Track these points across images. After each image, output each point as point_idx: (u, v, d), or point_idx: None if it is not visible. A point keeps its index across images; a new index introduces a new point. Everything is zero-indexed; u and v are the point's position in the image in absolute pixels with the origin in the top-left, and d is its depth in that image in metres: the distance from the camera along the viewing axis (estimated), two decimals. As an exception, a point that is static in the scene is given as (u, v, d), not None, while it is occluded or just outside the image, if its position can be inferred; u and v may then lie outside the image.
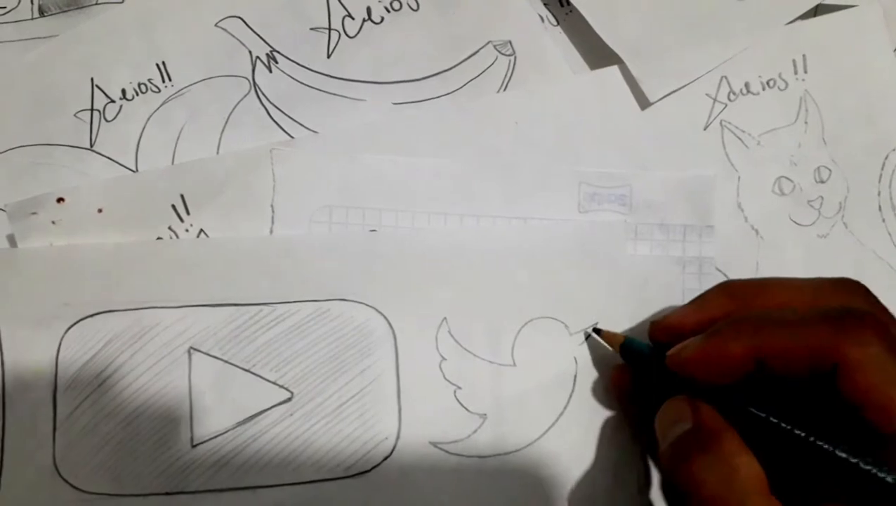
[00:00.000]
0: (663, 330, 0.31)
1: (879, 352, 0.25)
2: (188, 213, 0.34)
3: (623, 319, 0.35)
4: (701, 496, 0.26)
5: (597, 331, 0.34)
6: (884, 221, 0.38)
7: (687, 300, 0.33)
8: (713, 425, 0.27)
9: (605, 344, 0.34)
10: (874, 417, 0.25)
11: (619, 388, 0.34)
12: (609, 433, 0.35)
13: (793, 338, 0.26)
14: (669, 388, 0.30)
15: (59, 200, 0.33)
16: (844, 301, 0.28)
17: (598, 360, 0.35)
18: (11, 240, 0.33)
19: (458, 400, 0.34)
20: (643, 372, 0.33)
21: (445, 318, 0.34)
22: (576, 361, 0.35)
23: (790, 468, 0.27)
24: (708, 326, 0.29)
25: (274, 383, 0.33)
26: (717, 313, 0.30)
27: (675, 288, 0.36)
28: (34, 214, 0.33)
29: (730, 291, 0.30)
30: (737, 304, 0.30)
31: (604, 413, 0.35)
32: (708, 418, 0.28)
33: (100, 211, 0.33)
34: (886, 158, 0.38)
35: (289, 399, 0.33)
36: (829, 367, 0.26)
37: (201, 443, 0.33)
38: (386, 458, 0.33)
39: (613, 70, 0.38)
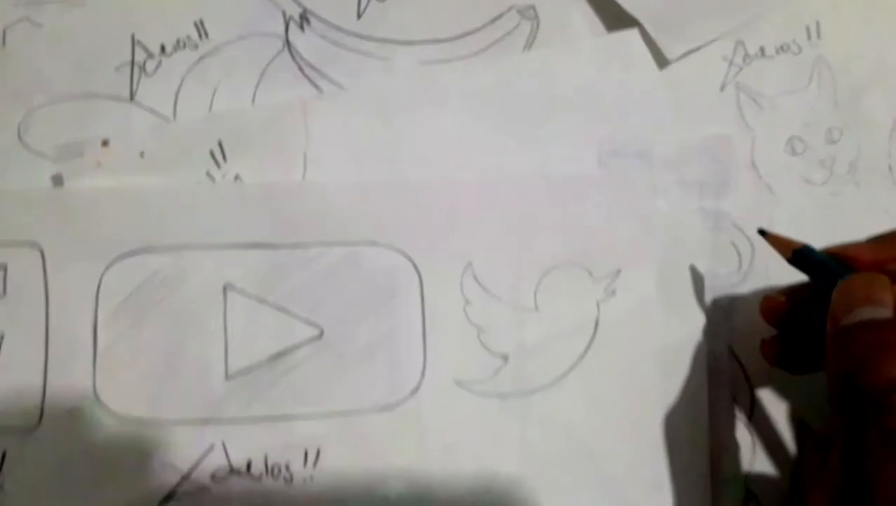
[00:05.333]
0: (836, 259, 0.29)
1: None
2: (225, 159, 0.36)
3: (645, 265, 0.36)
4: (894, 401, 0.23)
5: (762, 232, 0.34)
6: (895, 181, 0.39)
7: (705, 252, 0.35)
8: None
9: (773, 248, 0.33)
10: None
11: (773, 311, 0.33)
12: (629, 379, 0.36)
13: None
14: None
15: (104, 143, 0.35)
16: None
17: (622, 306, 0.36)
18: (56, 180, 0.35)
19: (481, 342, 0.35)
20: (820, 284, 0.31)
21: (470, 263, 0.36)
22: (598, 307, 0.36)
23: None
24: (884, 265, 0.28)
25: (305, 321, 0.35)
26: None
27: (694, 240, 0.37)
28: (81, 155, 0.35)
29: None
30: None
31: (625, 359, 0.36)
32: None
33: (142, 155, 0.35)
34: (896, 121, 0.39)
35: (319, 337, 0.35)
36: None
37: (236, 375, 0.34)
38: (411, 394, 0.35)
39: (633, 33, 0.39)
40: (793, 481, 0.35)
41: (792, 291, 0.33)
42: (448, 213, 0.36)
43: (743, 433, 0.36)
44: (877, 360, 0.25)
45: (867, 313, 0.25)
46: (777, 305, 0.32)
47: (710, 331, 0.36)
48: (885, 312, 0.25)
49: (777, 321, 0.33)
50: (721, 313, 0.36)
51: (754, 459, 0.36)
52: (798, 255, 0.32)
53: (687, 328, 0.36)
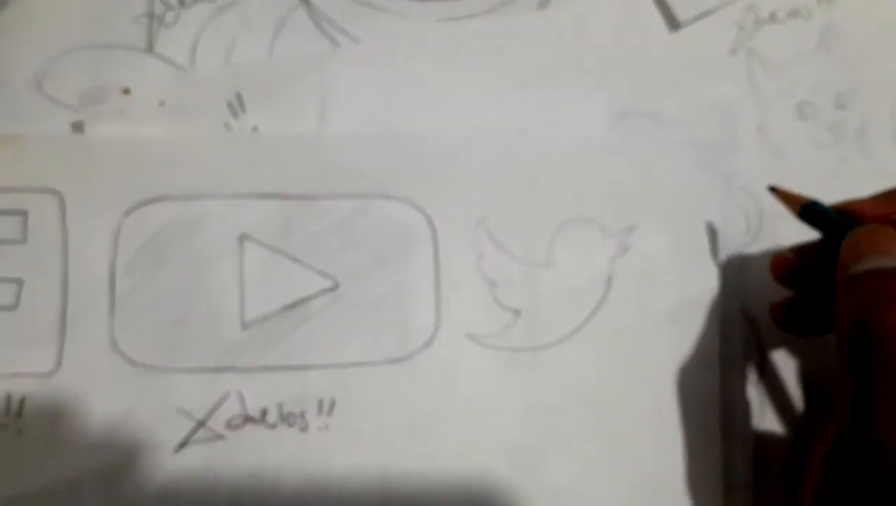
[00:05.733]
0: (844, 213, 0.29)
1: None
2: (244, 110, 0.36)
3: (658, 222, 0.37)
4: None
5: (772, 189, 0.34)
6: (902, 146, 0.40)
7: (717, 213, 0.35)
8: None
9: (783, 203, 0.33)
10: None
11: (783, 268, 0.33)
12: (640, 335, 0.36)
13: None
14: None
15: (125, 91, 0.35)
16: None
17: (634, 263, 0.36)
18: (76, 126, 0.35)
19: (493, 296, 0.36)
20: (829, 238, 0.31)
21: (484, 217, 0.36)
22: (610, 263, 0.36)
23: None
24: (890, 217, 0.28)
25: (319, 273, 0.35)
26: None
27: (705, 201, 0.37)
28: (102, 102, 0.35)
29: None
30: None
31: (636, 315, 0.36)
32: None
33: (161, 104, 0.35)
34: (905, 86, 0.40)
35: (333, 288, 0.35)
36: None
37: (251, 325, 0.35)
38: (424, 347, 0.35)
39: (645, -6, 0.39)
40: (797, 436, 0.36)
41: (802, 249, 0.33)
42: (462, 167, 0.36)
43: (753, 392, 0.36)
44: (883, 306, 0.25)
45: (874, 262, 0.26)
46: (787, 262, 0.33)
47: (722, 290, 0.36)
48: (891, 262, 0.26)
49: (787, 280, 0.33)
50: (732, 273, 0.37)
51: (763, 418, 0.37)
52: (807, 209, 0.32)
53: (699, 286, 0.36)
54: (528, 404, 0.35)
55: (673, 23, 0.39)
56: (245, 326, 0.35)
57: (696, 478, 0.35)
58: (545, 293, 0.36)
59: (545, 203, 0.36)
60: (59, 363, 0.34)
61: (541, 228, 0.36)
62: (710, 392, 0.36)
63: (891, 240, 0.27)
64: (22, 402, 0.34)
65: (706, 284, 0.36)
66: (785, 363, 0.37)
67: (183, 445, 0.34)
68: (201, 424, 0.34)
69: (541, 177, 0.36)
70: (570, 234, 0.36)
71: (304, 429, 0.34)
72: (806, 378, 0.37)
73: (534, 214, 0.36)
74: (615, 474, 0.35)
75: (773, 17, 0.40)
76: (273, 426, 0.34)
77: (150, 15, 0.37)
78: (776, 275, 0.33)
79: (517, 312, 0.36)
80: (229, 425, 0.34)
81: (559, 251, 0.36)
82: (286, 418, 0.34)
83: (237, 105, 0.36)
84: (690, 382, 0.36)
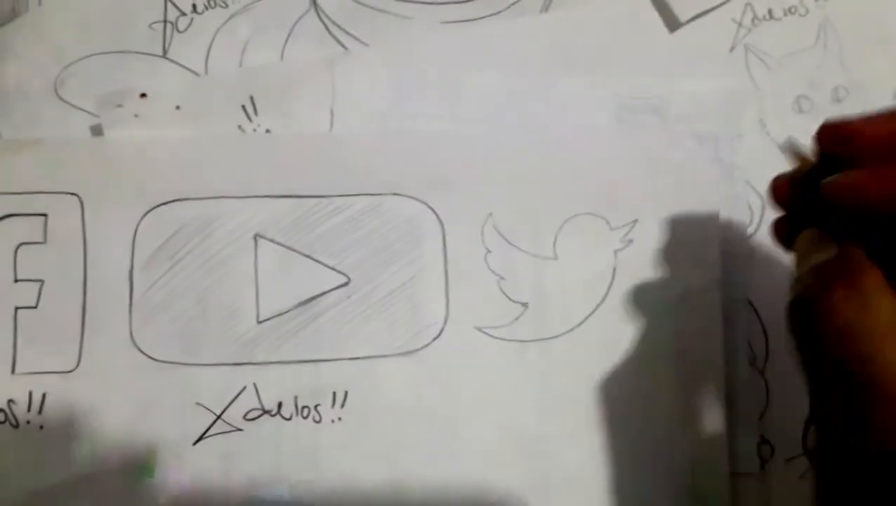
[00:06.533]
0: (831, 135, 0.26)
1: None
2: (256, 113, 0.37)
3: (661, 214, 0.37)
4: (834, 325, 0.24)
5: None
6: (898, 138, 0.40)
7: (720, 203, 0.36)
8: (858, 258, 0.25)
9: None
10: None
11: (781, 189, 0.30)
12: (645, 325, 0.37)
13: None
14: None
15: (142, 95, 0.36)
16: None
17: (639, 255, 0.37)
18: (95, 130, 0.36)
19: (501, 289, 0.37)
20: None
21: (491, 213, 0.37)
22: (615, 255, 0.37)
23: None
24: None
25: (332, 269, 0.36)
26: None
27: (709, 191, 0.38)
28: (120, 106, 0.36)
29: None
30: None
31: (641, 305, 0.37)
32: (853, 251, 0.25)
33: (177, 108, 0.36)
34: (901, 80, 0.41)
35: (346, 284, 0.36)
36: None
37: (266, 320, 0.36)
38: (434, 340, 0.36)
39: (645, -6, 0.41)
40: (805, 426, 0.36)
41: (794, 174, 0.29)
42: (469, 164, 0.37)
43: (758, 381, 0.37)
44: (820, 289, 0.25)
45: (821, 257, 0.26)
46: (782, 185, 0.30)
47: (726, 279, 0.37)
48: (827, 255, 0.25)
49: (786, 201, 0.30)
50: (735, 263, 0.38)
51: (768, 406, 0.37)
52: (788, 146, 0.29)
53: (703, 276, 0.37)
54: (536, 394, 0.36)
55: (672, 22, 0.40)
56: (260, 321, 0.35)
57: (703, 465, 0.36)
58: (552, 286, 0.37)
59: (551, 198, 0.37)
60: (79, 361, 0.35)
61: (547, 223, 0.37)
62: (716, 381, 0.37)
63: (824, 238, 0.26)
64: (43, 398, 0.34)
65: (710, 274, 0.37)
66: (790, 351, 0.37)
67: (201, 437, 0.35)
68: (219, 417, 0.35)
69: (546, 172, 0.37)
70: (576, 227, 0.37)
71: (318, 421, 0.35)
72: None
73: (540, 208, 0.37)
74: (623, 461, 0.36)
75: (770, 13, 0.41)
76: (289, 418, 0.35)
77: (165, 21, 0.38)
78: (776, 196, 0.30)
79: (525, 305, 0.37)
80: (246, 417, 0.35)
81: (565, 245, 0.37)
82: (301, 411, 0.35)
83: (250, 108, 0.37)
84: (695, 369, 0.37)
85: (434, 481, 0.35)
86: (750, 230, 0.39)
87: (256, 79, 0.37)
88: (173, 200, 0.36)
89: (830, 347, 0.24)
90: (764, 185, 0.35)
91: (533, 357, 0.36)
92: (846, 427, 0.24)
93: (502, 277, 0.37)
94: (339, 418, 0.35)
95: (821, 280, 0.25)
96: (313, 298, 0.36)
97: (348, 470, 0.35)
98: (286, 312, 0.36)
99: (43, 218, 0.35)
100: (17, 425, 0.34)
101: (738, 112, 0.39)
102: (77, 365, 0.35)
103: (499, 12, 0.40)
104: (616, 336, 0.37)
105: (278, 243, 0.36)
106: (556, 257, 0.37)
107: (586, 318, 0.37)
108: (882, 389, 0.23)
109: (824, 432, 0.25)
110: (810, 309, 0.25)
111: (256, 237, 0.36)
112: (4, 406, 0.34)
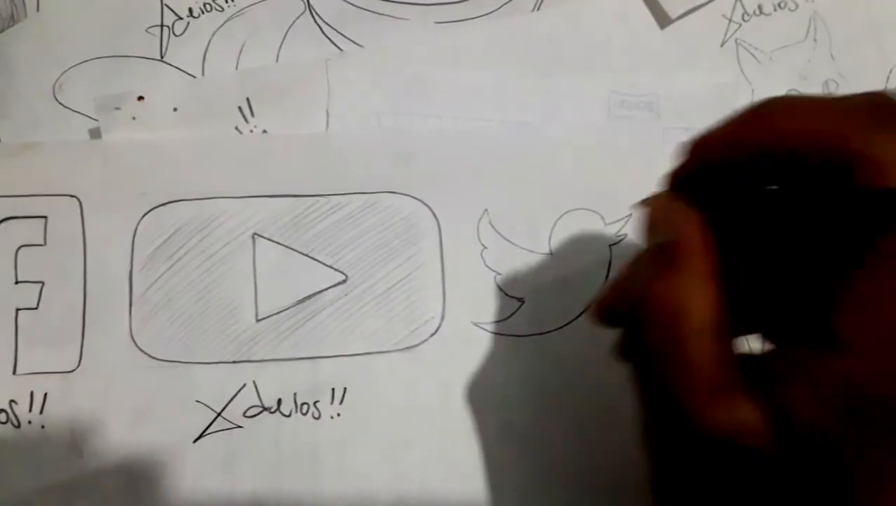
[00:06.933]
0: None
1: None
2: (253, 114, 0.37)
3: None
4: (650, 312, 0.23)
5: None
6: (889, 129, 0.41)
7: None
8: (693, 241, 0.23)
9: None
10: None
11: None
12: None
13: (821, 121, 0.22)
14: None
15: (140, 98, 0.37)
16: None
17: (634, 248, 0.38)
18: (94, 133, 0.37)
19: (497, 285, 0.37)
20: None
21: (487, 210, 0.37)
22: (610, 250, 0.38)
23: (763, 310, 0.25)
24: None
25: (330, 267, 0.36)
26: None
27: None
28: (117, 109, 0.36)
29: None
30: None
31: (634, 299, 0.37)
32: (691, 231, 0.24)
33: (175, 110, 0.37)
34: (891, 71, 0.41)
35: (344, 281, 0.36)
36: (849, 160, 0.21)
37: (265, 318, 0.36)
38: (431, 335, 0.36)
39: (636, -9, 0.41)
40: None
41: None
42: (464, 161, 0.37)
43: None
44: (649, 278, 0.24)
45: (663, 237, 0.25)
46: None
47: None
48: (670, 236, 0.24)
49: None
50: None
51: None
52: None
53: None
54: (533, 388, 0.37)
55: (663, 19, 0.41)
56: (259, 319, 0.36)
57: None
58: (547, 281, 0.37)
59: (546, 194, 0.37)
60: (80, 361, 0.35)
61: (542, 219, 0.38)
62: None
63: (671, 216, 0.25)
64: (45, 398, 0.35)
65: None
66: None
67: (202, 435, 0.35)
68: (220, 414, 0.35)
69: (541, 168, 0.38)
70: (571, 222, 0.37)
71: (318, 417, 0.35)
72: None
73: (535, 204, 0.37)
74: (619, 455, 0.36)
75: (760, 9, 0.41)
76: (288, 415, 0.35)
77: (162, 25, 0.39)
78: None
79: (521, 300, 0.37)
80: (246, 414, 0.35)
81: (560, 240, 0.37)
82: (300, 408, 0.35)
83: (247, 110, 0.37)
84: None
85: (431, 475, 0.35)
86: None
87: (252, 81, 0.38)
88: (172, 201, 0.36)
89: (639, 355, 0.25)
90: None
91: (529, 352, 0.36)
92: (657, 414, 0.24)
93: (498, 273, 0.37)
94: (338, 414, 0.35)
95: (650, 270, 0.24)
96: (311, 295, 0.36)
97: (347, 465, 0.35)
98: (285, 309, 0.36)
99: (43, 220, 0.36)
100: (18, 426, 0.35)
101: (730, 107, 0.39)
102: (78, 365, 0.35)
103: (491, 12, 0.41)
104: (611, 331, 0.37)
105: (276, 242, 0.36)
106: (551, 253, 0.37)
107: (582, 312, 0.37)
108: (689, 415, 0.22)
109: (644, 416, 0.25)
110: (638, 293, 0.24)
111: (254, 236, 0.36)
112: (6, 406, 0.35)
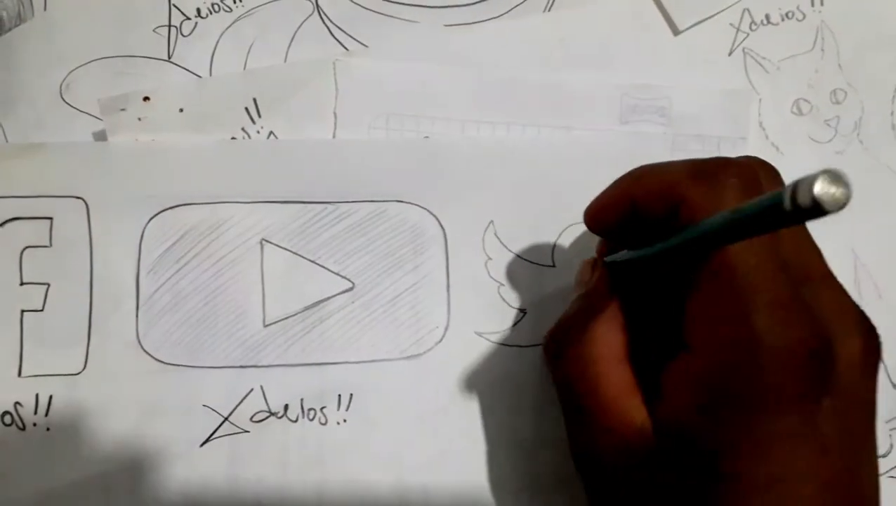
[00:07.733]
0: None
1: (722, 191, 0.26)
2: (259, 115, 0.37)
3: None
4: (567, 356, 0.31)
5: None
6: (898, 138, 0.41)
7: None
8: (600, 291, 0.32)
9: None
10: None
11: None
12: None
13: (659, 179, 0.28)
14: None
15: (146, 98, 0.36)
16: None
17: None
18: (98, 135, 0.37)
19: (501, 296, 0.37)
20: None
21: (492, 221, 0.37)
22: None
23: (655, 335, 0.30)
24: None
25: (337, 274, 0.37)
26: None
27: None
28: (123, 110, 0.36)
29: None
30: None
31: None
32: (599, 284, 0.32)
33: (181, 111, 0.37)
34: (898, 82, 0.42)
35: (350, 289, 0.37)
36: (677, 203, 0.27)
37: (272, 323, 0.36)
38: (436, 344, 0.37)
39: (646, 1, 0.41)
40: None
41: None
42: (473, 172, 0.37)
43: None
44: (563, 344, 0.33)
45: (583, 288, 0.33)
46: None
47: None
48: (587, 287, 0.33)
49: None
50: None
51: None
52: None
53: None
54: (535, 397, 0.37)
55: (672, 29, 0.40)
56: (267, 325, 0.36)
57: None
58: (549, 293, 0.37)
59: (551, 205, 0.38)
60: (85, 363, 0.35)
61: (546, 230, 0.38)
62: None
63: (587, 273, 0.34)
64: (50, 401, 0.35)
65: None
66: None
67: (209, 439, 0.35)
68: (227, 419, 0.35)
69: (547, 179, 0.38)
70: (574, 235, 0.38)
71: (324, 423, 0.36)
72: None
73: (540, 216, 0.38)
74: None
75: (767, 18, 0.41)
76: (295, 420, 0.35)
77: (169, 26, 0.39)
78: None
79: (524, 311, 0.37)
80: (253, 419, 0.35)
81: (564, 252, 0.38)
82: (307, 413, 0.36)
83: (254, 111, 0.37)
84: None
85: (437, 482, 0.35)
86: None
87: (259, 81, 0.38)
88: (178, 204, 0.36)
89: (562, 374, 0.32)
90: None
91: (531, 361, 0.37)
92: (578, 440, 0.32)
93: (501, 284, 0.37)
94: (345, 420, 0.36)
95: (573, 313, 0.32)
96: (318, 302, 0.36)
97: (353, 471, 0.35)
98: (292, 315, 0.36)
99: (48, 221, 0.36)
100: (23, 428, 0.35)
101: (740, 115, 0.40)
102: (84, 368, 0.35)
103: (500, 15, 0.40)
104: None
105: (284, 248, 0.36)
106: (553, 265, 0.37)
107: (586, 321, 0.37)
108: (595, 419, 0.29)
109: (571, 441, 0.32)
110: (564, 336, 0.32)
111: (262, 242, 0.36)
112: (11, 409, 0.35)
